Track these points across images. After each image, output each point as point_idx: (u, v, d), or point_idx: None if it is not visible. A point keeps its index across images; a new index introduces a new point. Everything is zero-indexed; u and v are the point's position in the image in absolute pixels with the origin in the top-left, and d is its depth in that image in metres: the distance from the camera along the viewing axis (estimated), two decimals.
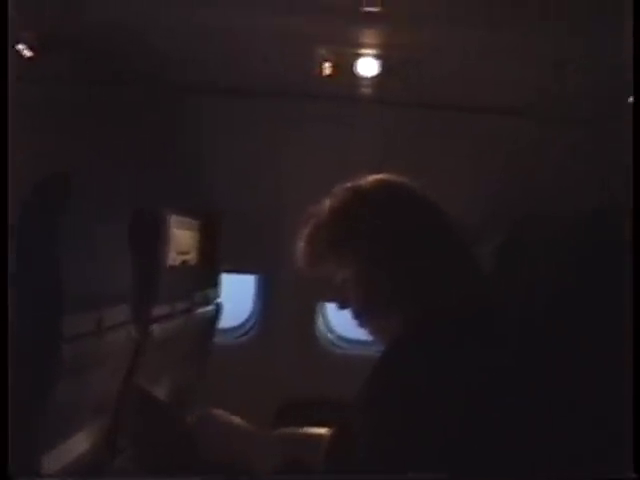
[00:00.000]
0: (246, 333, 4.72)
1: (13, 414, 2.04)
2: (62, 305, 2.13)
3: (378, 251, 2.25)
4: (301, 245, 2.37)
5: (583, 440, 2.07)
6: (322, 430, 2.56)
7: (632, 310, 2.04)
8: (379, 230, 2.26)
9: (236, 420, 2.52)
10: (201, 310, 3.55)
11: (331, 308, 4.67)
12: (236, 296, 4.40)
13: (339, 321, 4.70)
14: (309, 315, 4.62)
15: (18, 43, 3.41)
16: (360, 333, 2.47)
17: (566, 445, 2.06)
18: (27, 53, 3.46)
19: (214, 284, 3.81)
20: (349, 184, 2.37)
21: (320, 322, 4.71)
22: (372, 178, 2.37)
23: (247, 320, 4.75)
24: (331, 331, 4.77)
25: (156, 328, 2.88)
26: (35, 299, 2.17)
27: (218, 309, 3.86)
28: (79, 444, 2.52)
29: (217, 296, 3.85)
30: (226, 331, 4.51)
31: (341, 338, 4.77)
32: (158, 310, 2.91)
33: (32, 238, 2.19)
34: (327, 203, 2.36)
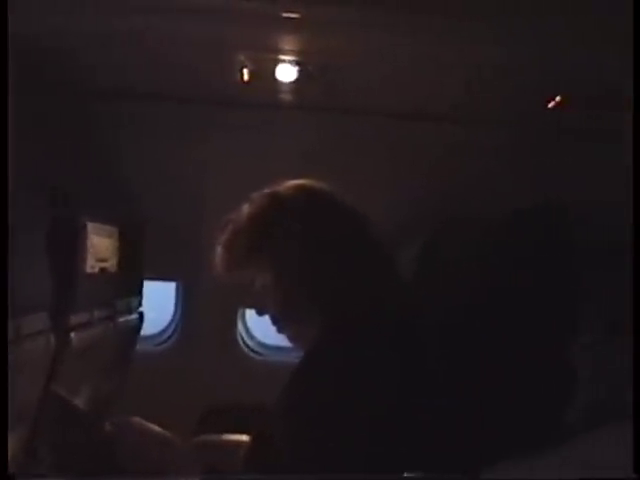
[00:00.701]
0: (166, 340, 4.69)
1: None
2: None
3: (296, 257, 2.27)
4: (219, 251, 2.38)
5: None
6: (242, 437, 2.57)
7: (632, 310, 2.07)
8: (297, 236, 2.28)
9: (153, 428, 2.52)
10: (122, 318, 3.53)
11: (251, 314, 4.67)
12: (156, 303, 4.38)
13: (259, 327, 4.70)
14: (229, 321, 4.62)
15: None
16: (280, 339, 2.48)
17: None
18: None
19: (135, 292, 3.79)
20: (267, 190, 2.38)
21: (240, 328, 4.70)
22: (290, 184, 2.39)
23: (167, 327, 4.73)
24: (251, 337, 4.77)
25: (75, 336, 2.85)
26: None
27: (140, 317, 3.84)
28: None
29: (139, 304, 3.83)
30: (146, 338, 4.48)
31: (261, 344, 4.77)
32: (77, 318, 2.88)
33: None
34: (245, 209, 2.37)
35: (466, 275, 2.35)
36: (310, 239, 2.27)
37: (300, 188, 2.37)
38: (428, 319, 2.24)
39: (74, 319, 2.86)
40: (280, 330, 2.39)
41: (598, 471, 1.95)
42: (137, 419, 2.51)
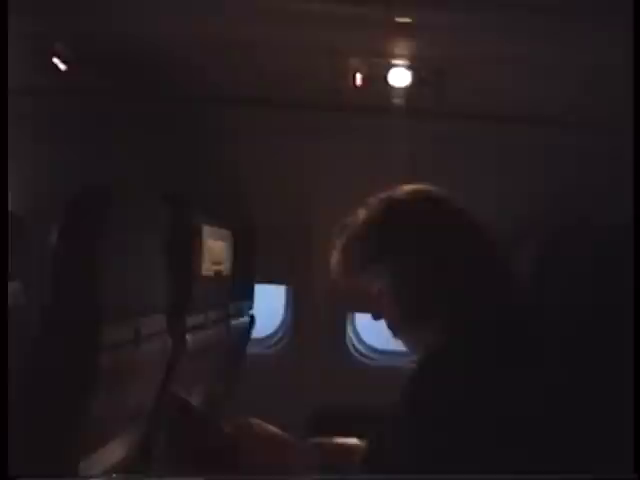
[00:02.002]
0: (277, 343, 4.73)
1: (54, 422, 2.07)
2: (101, 315, 2.15)
3: (414, 262, 2.25)
4: (335, 256, 2.37)
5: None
6: (356, 441, 2.56)
7: (633, 310, 2.04)
8: (414, 241, 2.26)
9: (272, 429, 2.53)
10: (235, 321, 3.57)
11: (360, 319, 4.68)
12: (266, 306, 4.42)
13: (368, 332, 4.71)
14: (339, 325, 4.63)
15: (53, 56, 3.44)
16: (389, 344, 2.47)
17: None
18: (62, 66, 3.49)
19: (247, 295, 3.83)
20: (383, 195, 2.37)
21: (350, 332, 4.71)
22: (406, 188, 2.37)
23: (277, 330, 4.76)
24: (360, 342, 4.78)
25: (190, 338, 2.89)
26: (74, 309, 2.19)
27: (252, 320, 3.88)
28: (116, 452, 2.54)
29: (250, 307, 3.87)
30: (257, 341, 4.52)
31: (370, 349, 4.78)
32: (192, 320, 2.93)
33: (71, 249, 2.21)
34: (361, 214, 2.36)
35: (581, 282, 2.31)
36: (428, 244, 2.25)
37: (416, 192, 2.35)
38: (547, 321, 2.20)
39: (189, 321, 2.91)
40: (396, 335, 2.37)
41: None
42: (257, 420, 2.53)
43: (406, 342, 2.37)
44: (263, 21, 3.10)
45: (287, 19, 3.10)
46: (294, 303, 4.66)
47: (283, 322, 4.75)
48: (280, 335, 4.74)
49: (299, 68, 3.62)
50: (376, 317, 2.38)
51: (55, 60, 3.42)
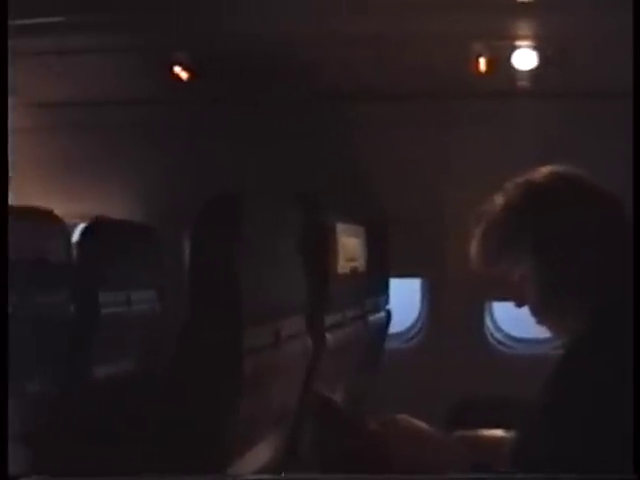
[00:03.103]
0: (414, 337, 4.69)
1: (203, 427, 2.09)
2: (241, 320, 2.16)
3: (556, 246, 2.19)
4: (474, 246, 2.32)
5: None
6: (502, 432, 2.51)
7: (633, 310, 1.97)
8: (555, 223, 2.20)
9: (420, 424, 2.49)
10: (372, 317, 3.55)
11: (498, 307, 4.61)
12: (402, 300, 4.39)
13: (506, 320, 4.63)
14: (477, 315, 4.57)
15: (174, 65, 3.48)
16: (528, 331, 2.41)
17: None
18: (184, 75, 3.52)
19: (383, 290, 3.80)
20: (520, 179, 2.30)
21: (487, 321, 4.64)
22: (543, 171, 2.30)
23: (414, 324, 4.73)
24: (499, 330, 4.70)
25: (330, 336, 2.89)
26: (214, 316, 2.20)
27: (388, 315, 3.85)
28: (264, 453, 2.55)
29: (387, 302, 3.85)
30: (394, 336, 4.49)
31: (509, 337, 4.70)
32: (331, 318, 2.92)
33: (207, 256, 2.23)
34: (499, 200, 2.30)
35: None
36: (568, 225, 2.18)
37: (553, 174, 2.28)
38: None
39: (328, 320, 2.90)
40: (540, 321, 2.30)
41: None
42: (402, 415, 2.49)
43: (550, 327, 2.30)
44: (382, 13, 3.08)
45: (406, 9, 3.06)
46: (430, 295, 4.61)
47: (420, 315, 4.71)
48: (417, 328, 4.70)
49: (421, 58, 3.58)
50: (519, 304, 2.31)
51: (177, 69, 3.46)
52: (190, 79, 3.52)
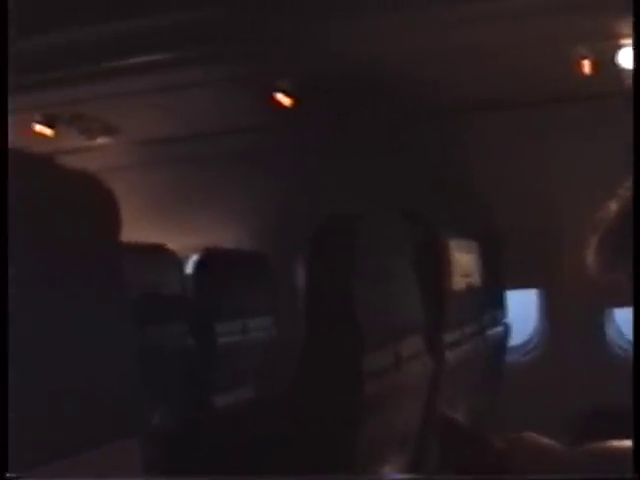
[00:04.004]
0: (534, 349, 4.60)
1: (323, 450, 2.07)
2: (361, 343, 2.14)
3: None
4: (590, 253, 2.26)
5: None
6: (629, 442, 2.43)
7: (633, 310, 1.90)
8: None
9: (546, 441, 2.43)
10: (490, 331, 3.50)
11: (620, 313, 4.49)
12: (518, 313, 4.31)
13: (628, 325, 4.51)
14: (597, 323, 4.45)
15: (276, 92, 3.49)
16: None
17: None
18: (286, 101, 3.53)
19: (500, 303, 3.74)
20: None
21: (609, 329, 4.52)
22: None
23: (533, 335, 4.64)
24: (622, 337, 4.57)
25: (449, 355, 2.85)
26: (333, 338, 2.19)
27: (506, 329, 3.79)
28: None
29: (504, 315, 3.78)
30: (513, 349, 4.41)
31: (632, 343, 4.56)
32: (450, 336, 2.88)
33: (324, 280, 2.21)
34: (613, 206, 2.24)
35: None
36: None
37: None
38: None
39: (446, 337, 2.86)
40: None
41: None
42: (528, 433, 2.43)
43: None
44: (482, 23, 3.03)
45: (505, 16, 3.01)
46: (548, 305, 4.52)
47: (538, 327, 4.61)
48: (536, 340, 4.61)
49: (523, 65, 3.52)
50: None
51: (279, 96, 3.47)
52: (292, 105, 3.53)
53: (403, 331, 2.46)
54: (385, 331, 2.32)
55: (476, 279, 3.22)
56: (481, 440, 2.49)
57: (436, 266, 2.77)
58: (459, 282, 2.95)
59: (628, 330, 4.52)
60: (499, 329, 3.75)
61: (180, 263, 3.71)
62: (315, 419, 2.20)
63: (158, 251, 3.61)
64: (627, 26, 3.32)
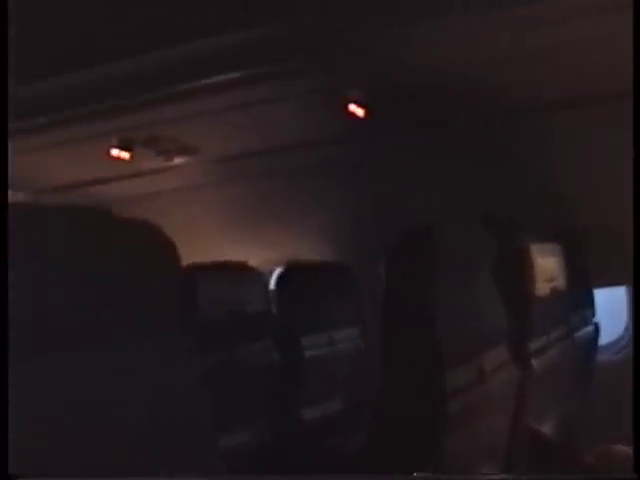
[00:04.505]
0: (626, 346, 4.50)
1: (409, 465, 2.06)
2: (443, 361, 2.12)
3: None
4: None
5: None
6: None
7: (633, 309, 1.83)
8: None
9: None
10: (578, 333, 3.44)
11: None
12: (607, 311, 4.22)
13: None
14: None
15: (349, 103, 3.47)
16: None
17: None
18: (360, 112, 3.51)
19: (588, 304, 3.68)
20: None
21: None
22: None
23: (624, 334, 4.54)
24: None
25: (535, 362, 2.80)
26: (413, 354, 2.17)
27: (596, 329, 3.72)
28: None
29: (593, 315, 3.71)
30: (603, 349, 4.32)
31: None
32: (535, 344, 2.83)
33: (403, 292, 2.20)
34: None
35: None
36: None
37: None
38: None
39: (532, 345, 2.82)
40: None
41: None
42: (620, 447, 2.39)
43: None
44: (559, 22, 2.97)
45: (586, 14, 2.95)
46: (636, 302, 4.41)
47: (628, 324, 4.51)
48: (627, 337, 4.51)
49: (603, 64, 3.44)
50: None
51: (352, 107, 3.46)
52: (366, 115, 3.51)
53: (487, 341, 2.43)
54: (468, 341, 2.29)
55: (561, 282, 3.16)
56: (569, 454, 2.45)
57: (519, 272, 2.73)
58: (543, 287, 2.91)
59: None
60: (588, 330, 3.68)
61: (262, 278, 3.72)
62: (400, 431, 2.19)
63: (239, 268, 3.63)
64: None
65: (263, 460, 3.21)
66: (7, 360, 1.73)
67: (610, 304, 4.30)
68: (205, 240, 4.51)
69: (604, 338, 4.10)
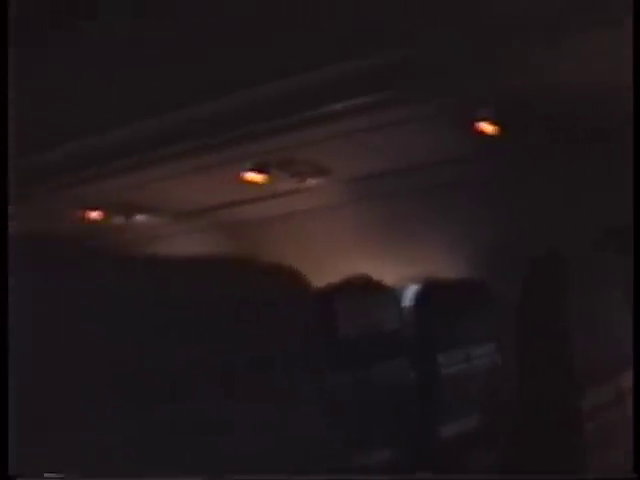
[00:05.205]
0: None
1: None
2: (578, 378, 2.11)
3: None
4: None
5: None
6: None
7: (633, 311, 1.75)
8: None
9: None
10: None
11: None
12: None
13: None
14: None
15: (479, 121, 3.48)
16: None
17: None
18: (490, 129, 3.52)
19: None
20: None
21: None
22: None
23: None
24: None
25: None
26: (548, 374, 2.17)
27: None
28: None
29: None
30: None
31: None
32: None
33: (542, 310, 2.20)
34: None
35: None
36: None
37: None
38: None
39: None
40: None
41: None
42: None
43: None
44: None
45: None
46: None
47: None
48: None
49: None
50: None
51: (483, 125, 3.47)
52: (497, 132, 3.51)
53: (623, 361, 2.41)
54: (603, 363, 2.27)
55: None
56: None
57: None
58: None
59: None
60: None
61: (397, 295, 3.74)
62: (536, 448, 2.19)
63: (374, 286, 3.65)
64: None
65: (401, 477, 3.22)
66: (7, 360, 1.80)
67: None
68: (339, 259, 4.56)
69: None
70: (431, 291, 3.82)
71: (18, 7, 2.32)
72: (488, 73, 3.20)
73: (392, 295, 3.71)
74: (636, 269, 2.05)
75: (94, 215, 5.03)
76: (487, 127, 3.49)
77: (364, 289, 3.59)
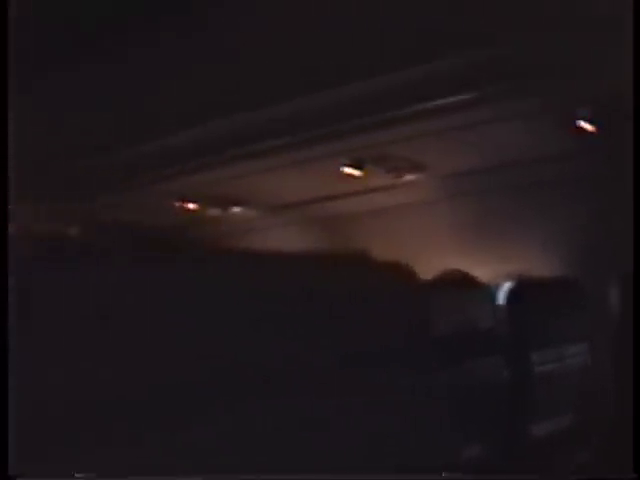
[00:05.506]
0: None
1: None
2: None
3: None
4: None
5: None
6: None
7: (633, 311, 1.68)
8: None
9: None
10: None
11: None
12: None
13: None
14: None
15: (578, 120, 3.46)
16: None
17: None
18: (588, 127, 3.49)
19: None
20: None
21: None
22: None
23: None
24: None
25: None
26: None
27: None
28: None
29: None
30: None
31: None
32: None
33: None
34: None
35: None
36: None
37: None
38: None
39: None
40: None
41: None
42: None
43: None
44: None
45: None
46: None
47: None
48: None
49: None
50: None
51: (582, 123, 3.44)
52: (595, 131, 3.49)
53: None
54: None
55: None
56: None
57: None
58: None
59: None
60: None
61: (491, 293, 3.73)
62: (629, 449, 2.17)
63: (468, 283, 3.65)
64: None
65: (493, 474, 3.22)
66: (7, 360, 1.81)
67: None
68: (433, 255, 4.57)
69: None
70: (525, 289, 3.80)
71: (18, 7, 2.35)
72: (586, 73, 3.18)
73: (486, 292, 3.70)
74: (636, 269, 2.03)
75: (190, 207, 5.13)
76: (586, 125, 3.47)
77: (458, 285, 3.59)
